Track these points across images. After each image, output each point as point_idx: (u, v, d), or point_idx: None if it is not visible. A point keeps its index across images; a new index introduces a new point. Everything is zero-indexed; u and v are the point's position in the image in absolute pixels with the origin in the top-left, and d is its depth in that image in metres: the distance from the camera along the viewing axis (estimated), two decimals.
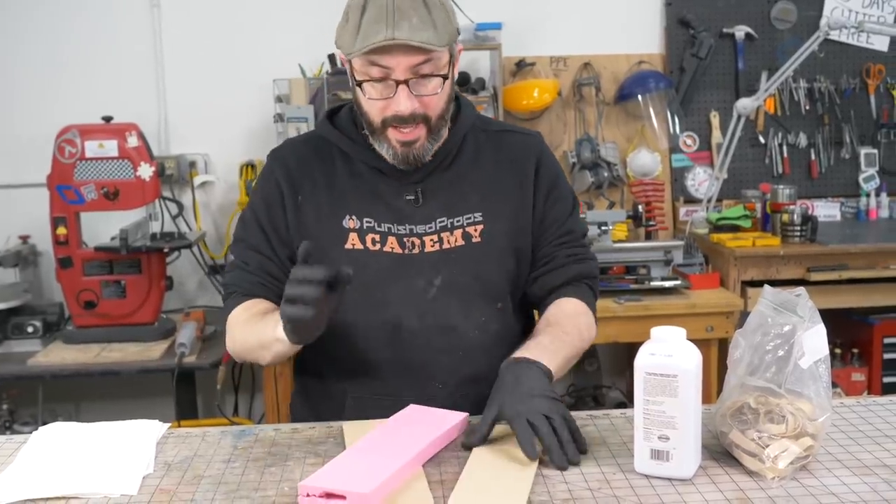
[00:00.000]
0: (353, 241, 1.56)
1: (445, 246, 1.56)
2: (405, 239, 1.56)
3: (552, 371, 1.41)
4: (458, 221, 1.57)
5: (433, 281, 1.55)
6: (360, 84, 1.47)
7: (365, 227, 1.56)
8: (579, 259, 1.64)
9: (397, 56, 1.41)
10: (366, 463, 1.22)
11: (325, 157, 1.61)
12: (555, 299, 1.61)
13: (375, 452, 1.26)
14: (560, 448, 1.25)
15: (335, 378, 1.61)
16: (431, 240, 1.56)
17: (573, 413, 1.47)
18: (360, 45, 1.41)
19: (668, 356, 1.20)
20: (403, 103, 1.44)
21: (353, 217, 1.56)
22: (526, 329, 1.66)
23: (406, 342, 1.55)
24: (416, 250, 1.55)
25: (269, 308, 1.54)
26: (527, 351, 1.43)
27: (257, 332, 1.49)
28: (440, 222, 1.56)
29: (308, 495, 1.15)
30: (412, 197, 1.57)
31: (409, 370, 1.56)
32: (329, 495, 1.14)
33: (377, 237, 1.56)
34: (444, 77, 1.47)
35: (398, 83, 1.44)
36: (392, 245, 1.55)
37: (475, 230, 1.57)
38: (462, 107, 1.63)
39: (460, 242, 1.56)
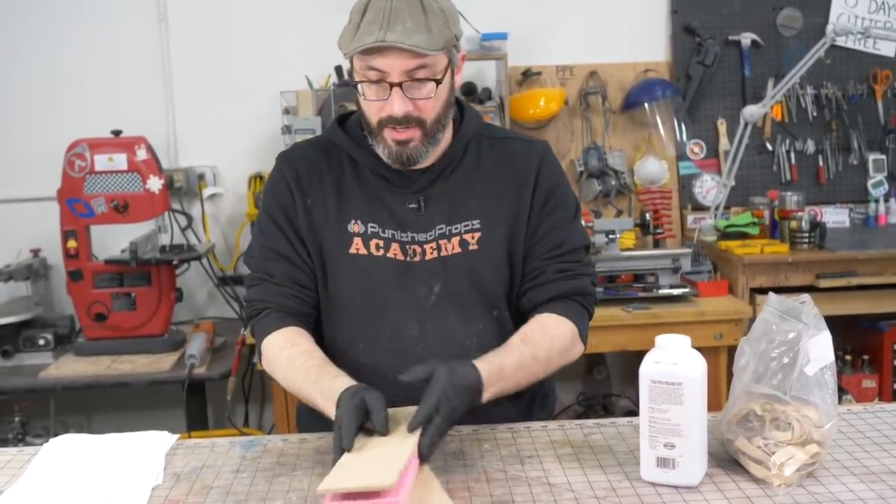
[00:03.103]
0: (357, 246, 1.57)
1: (443, 253, 1.57)
2: (408, 246, 1.57)
3: (488, 393, 1.40)
4: (455, 229, 1.57)
5: (433, 288, 1.56)
6: (356, 85, 1.50)
7: (369, 231, 1.57)
8: (571, 276, 1.60)
9: (391, 59, 1.44)
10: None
11: (334, 161, 1.62)
12: (540, 314, 1.58)
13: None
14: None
15: None
16: (431, 247, 1.57)
17: (581, 421, 1.48)
18: (355, 45, 1.44)
19: (672, 364, 1.21)
20: (397, 105, 1.47)
21: (359, 221, 1.58)
22: None
23: (405, 348, 1.56)
24: (416, 258, 1.57)
25: (309, 347, 1.52)
26: (485, 362, 1.41)
27: (304, 389, 1.46)
28: (439, 229, 1.57)
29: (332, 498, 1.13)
30: (415, 206, 1.58)
31: None
32: (349, 496, 1.12)
33: (381, 242, 1.57)
34: (438, 81, 1.48)
35: (392, 85, 1.46)
36: (395, 251, 1.57)
37: (472, 237, 1.57)
38: (466, 115, 1.64)
39: (457, 250, 1.57)
